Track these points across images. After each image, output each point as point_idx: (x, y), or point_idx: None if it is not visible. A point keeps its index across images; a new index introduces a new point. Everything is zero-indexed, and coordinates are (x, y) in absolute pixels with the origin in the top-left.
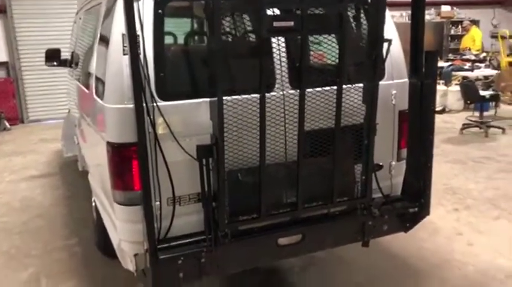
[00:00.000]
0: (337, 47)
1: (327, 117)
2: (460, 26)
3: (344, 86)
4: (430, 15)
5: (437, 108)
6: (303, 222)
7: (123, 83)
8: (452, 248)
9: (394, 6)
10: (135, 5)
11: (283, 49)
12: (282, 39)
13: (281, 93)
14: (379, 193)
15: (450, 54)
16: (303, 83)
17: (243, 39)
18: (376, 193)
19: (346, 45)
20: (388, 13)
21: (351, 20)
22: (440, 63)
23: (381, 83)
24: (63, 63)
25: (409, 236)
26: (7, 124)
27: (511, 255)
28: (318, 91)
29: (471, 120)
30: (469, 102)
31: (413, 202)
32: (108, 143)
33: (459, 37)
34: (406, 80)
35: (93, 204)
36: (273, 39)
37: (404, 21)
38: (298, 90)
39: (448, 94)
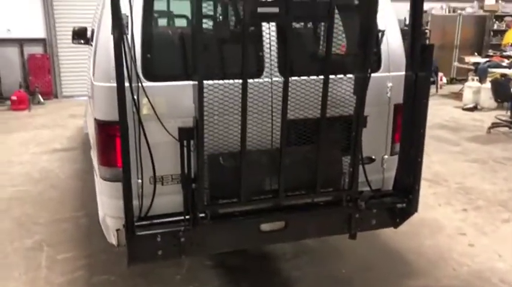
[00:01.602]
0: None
1: (315, 107)
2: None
3: (336, 76)
4: (472, 8)
5: (469, 106)
6: (286, 209)
7: (110, 62)
8: (453, 248)
9: None
10: None
11: (274, 36)
12: (273, 25)
13: (269, 79)
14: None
15: (490, 50)
16: (287, 70)
17: (228, 23)
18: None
19: (332, 34)
20: (389, 2)
21: (343, 8)
22: (477, 59)
23: (376, 75)
24: (89, 41)
25: (411, 232)
26: (41, 98)
27: (511, 259)
28: (306, 80)
29: (501, 120)
30: (499, 100)
31: (402, 197)
32: (95, 119)
33: (502, 32)
34: (403, 73)
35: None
36: (264, 25)
37: (444, 13)
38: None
39: (481, 91)
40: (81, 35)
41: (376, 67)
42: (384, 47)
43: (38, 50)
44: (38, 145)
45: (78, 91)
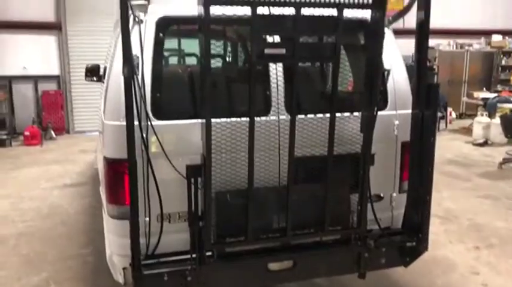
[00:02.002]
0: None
1: (323, 145)
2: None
3: (343, 114)
4: (479, 44)
5: (479, 141)
6: (294, 248)
7: (120, 101)
8: None
9: (443, 34)
10: (137, 27)
11: (281, 74)
12: (280, 64)
13: (276, 117)
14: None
15: (499, 86)
16: (293, 108)
17: (236, 62)
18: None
19: (338, 74)
20: (394, 41)
21: (348, 48)
22: (486, 94)
23: (382, 113)
24: (102, 78)
25: (423, 270)
26: (53, 134)
27: None
28: (312, 118)
29: None
30: (509, 136)
31: (412, 236)
32: (104, 157)
33: (510, 68)
34: (410, 111)
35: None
36: (271, 64)
37: (452, 49)
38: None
39: (491, 126)
40: (93, 73)
41: (383, 105)
42: (390, 85)
43: (51, 86)
44: (48, 180)
45: (89, 127)
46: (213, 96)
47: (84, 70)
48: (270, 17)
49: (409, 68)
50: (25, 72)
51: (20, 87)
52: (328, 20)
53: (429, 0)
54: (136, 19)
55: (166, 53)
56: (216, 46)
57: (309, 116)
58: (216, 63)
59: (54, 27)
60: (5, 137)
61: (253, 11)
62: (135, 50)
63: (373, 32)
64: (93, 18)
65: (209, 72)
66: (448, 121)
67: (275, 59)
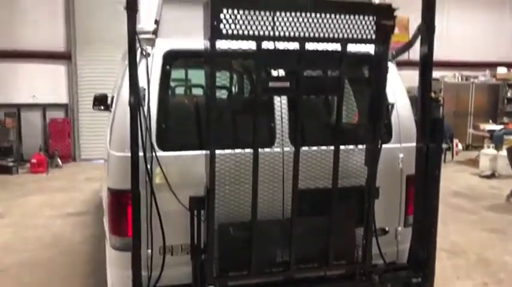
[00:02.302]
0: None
1: (327, 177)
2: None
3: (347, 147)
4: (485, 76)
5: (486, 173)
6: (298, 283)
7: (125, 132)
8: None
9: (447, 66)
10: (144, 60)
11: (285, 106)
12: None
13: (280, 149)
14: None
15: (505, 118)
16: (298, 140)
17: (241, 94)
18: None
19: (342, 107)
20: (397, 74)
21: (352, 81)
22: (492, 126)
23: (387, 146)
24: (109, 107)
25: None
26: (59, 161)
27: None
28: (317, 150)
29: None
30: None
31: (418, 271)
32: (108, 188)
33: None
34: (414, 144)
35: None
36: (276, 97)
37: (457, 81)
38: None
39: (498, 158)
40: (101, 102)
41: (387, 138)
42: (394, 118)
43: (59, 114)
44: (52, 209)
45: (95, 154)
46: (218, 128)
47: (92, 99)
48: (275, 51)
49: (415, 100)
50: (34, 100)
51: (28, 115)
52: (332, 54)
53: (432, 35)
54: (144, 52)
55: (172, 84)
56: (222, 79)
57: (313, 148)
58: (221, 94)
59: (64, 56)
60: (11, 164)
61: (258, 45)
62: (142, 81)
63: (376, 66)
64: (102, 48)
65: (214, 105)
66: (454, 153)
67: (279, 92)
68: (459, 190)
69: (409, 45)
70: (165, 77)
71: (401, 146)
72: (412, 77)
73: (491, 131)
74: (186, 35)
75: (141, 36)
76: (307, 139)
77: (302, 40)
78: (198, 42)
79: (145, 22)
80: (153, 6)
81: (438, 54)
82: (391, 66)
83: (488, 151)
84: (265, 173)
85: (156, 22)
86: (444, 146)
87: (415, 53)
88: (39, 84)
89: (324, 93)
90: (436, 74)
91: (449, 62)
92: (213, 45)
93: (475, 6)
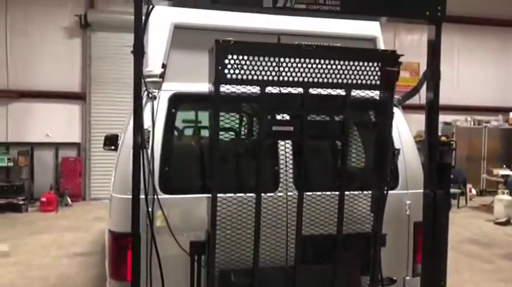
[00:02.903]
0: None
1: (332, 223)
2: None
3: (353, 193)
4: (497, 121)
5: (501, 220)
6: None
7: (128, 174)
8: None
9: (459, 110)
10: (150, 103)
11: (289, 150)
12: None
13: (284, 194)
14: None
15: None
16: (302, 185)
17: (246, 138)
18: None
19: (347, 153)
20: (403, 118)
21: (358, 126)
22: (506, 172)
23: (393, 192)
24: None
25: None
26: (69, 200)
27: None
28: (321, 195)
29: None
30: None
31: None
32: (109, 230)
33: None
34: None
35: None
36: (281, 142)
37: (469, 125)
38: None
39: None
40: (112, 142)
41: (394, 184)
42: (400, 163)
43: (71, 153)
44: (59, 248)
45: (105, 194)
46: (221, 171)
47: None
48: (279, 95)
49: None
50: (47, 139)
51: (41, 154)
52: (337, 99)
53: (438, 81)
54: (150, 95)
55: (178, 127)
56: (226, 121)
57: (318, 193)
58: (225, 137)
59: (79, 97)
60: (22, 202)
61: (262, 90)
62: (148, 124)
63: (382, 112)
64: (115, 89)
65: (218, 149)
66: (468, 198)
67: (283, 136)
68: (473, 237)
69: (415, 91)
70: (170, 119)
71: (408, 192)
72: (424, 120)
73: (505, 177)
74: (192, 79)
75: (148, 79)
76: (312, 184)
77: (306, 85)
78: (203, 85)
79: (153, 65)
80: (161, 49)
81: (450, 98)
82: (397, 111)
83: (503, 196)
84: (268, 218)
85: (164, 66)
86: (457, 191)
87: (423, 95)
88: (53, 124)
89: (328, 138)
90: (448, 118)
91: (461, 106)
92: (217, 90)
93: (485, 50)
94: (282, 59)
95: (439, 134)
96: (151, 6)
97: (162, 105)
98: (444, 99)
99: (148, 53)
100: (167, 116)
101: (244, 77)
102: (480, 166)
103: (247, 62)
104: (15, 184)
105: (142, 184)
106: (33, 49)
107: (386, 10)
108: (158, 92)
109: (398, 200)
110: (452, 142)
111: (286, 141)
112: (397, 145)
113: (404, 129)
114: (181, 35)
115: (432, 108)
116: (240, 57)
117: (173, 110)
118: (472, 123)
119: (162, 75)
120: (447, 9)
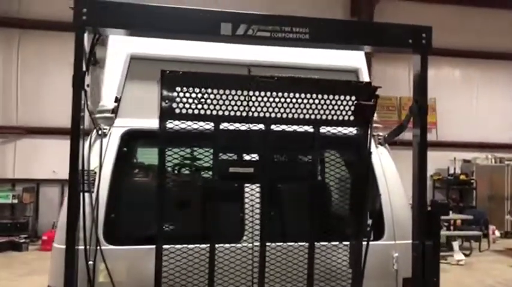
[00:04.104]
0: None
1: (300, 280)
2: None
3: (329, 244)
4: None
5: None
6: None
7: None
8: None
9: (478, 147)
10: (99, 140)
11: (257, 194)
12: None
13: (250, 244)
14: None
15: None
16: (264, 235)
17: (200, 180)
18: None
19: (317, 197)
20: (390, 158)
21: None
22: None
23: (378, 243)
24: None
25: None
26: None
27: None
28: (292, 245)
29: None
30: None
31: None
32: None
33: None
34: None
35: None
36: (247, 185)
37: (490, 163)
38: (270, 243)
39: None
40: None
41: (378, 234)
42: (386, 210)
43: None
44: None
45: None
46: (170, 218)
47: None
48: (236, 132)
49: (444, 182)
50: (54, 175)
51: (46, 190)
52: (303, 136)
53: (425, 117)
54: (100, 132)
55: (129, 168)
56: (175, 162)
57: (289, 243)
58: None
59: (87, 133)
60: (23, 240)
61: (216, 126)
62: (94, 164)
63: (357, 151)
64: None
65: (163, 193)
66: (491, 240)
67: (242, 179)
68: (495, 284)
69: (400, 129)
70: (121, 159)
71: (396, 243)
72: (441, 158)
73: None
74: (149, 114)
75: (99, 115)
76: (280, 233)
77: (268, 122)
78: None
79: (107, 99)
80: (116, 82)
81: (469, 135)
82: (383, 150)
83: None
84: (231, 271)
85: (117, 100)
86: (478, 233)
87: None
88: (61, 160)
89: (294, 181)
90: (467, 155)
91: (479, 143)
92: (162, 126)
93: (505, 86)
94: (239, 92)
95: (459, 172)
96: (97, 35)
97: (112, 143)
98: (462, 135)
99: (103, 85)
100: (118, 155)
101: (196, 111)
102: (503, 206)
103: (199, 95)
104: (18, 221)
105: (82, 233)
106: (42, 85)
107: (362, 39)
108: (109, 129)
109: (384, 253)
110: (472, 181)
111: (253, 185)
112: (382, 189)
113: (391, 170)
114: (139, 67)
115: (420, 148)
116: (191, 90)
117: (125, 149)
118: (493, 161)
119: (115, 110)
120: (465, 45)
